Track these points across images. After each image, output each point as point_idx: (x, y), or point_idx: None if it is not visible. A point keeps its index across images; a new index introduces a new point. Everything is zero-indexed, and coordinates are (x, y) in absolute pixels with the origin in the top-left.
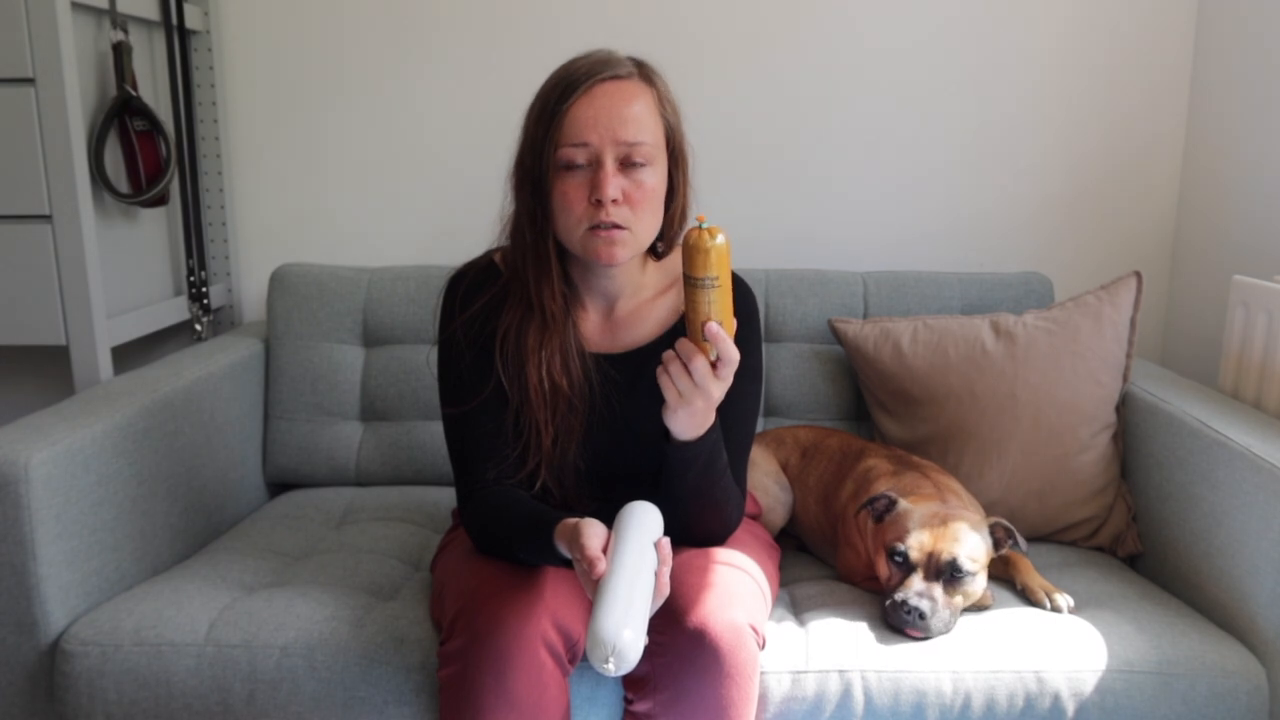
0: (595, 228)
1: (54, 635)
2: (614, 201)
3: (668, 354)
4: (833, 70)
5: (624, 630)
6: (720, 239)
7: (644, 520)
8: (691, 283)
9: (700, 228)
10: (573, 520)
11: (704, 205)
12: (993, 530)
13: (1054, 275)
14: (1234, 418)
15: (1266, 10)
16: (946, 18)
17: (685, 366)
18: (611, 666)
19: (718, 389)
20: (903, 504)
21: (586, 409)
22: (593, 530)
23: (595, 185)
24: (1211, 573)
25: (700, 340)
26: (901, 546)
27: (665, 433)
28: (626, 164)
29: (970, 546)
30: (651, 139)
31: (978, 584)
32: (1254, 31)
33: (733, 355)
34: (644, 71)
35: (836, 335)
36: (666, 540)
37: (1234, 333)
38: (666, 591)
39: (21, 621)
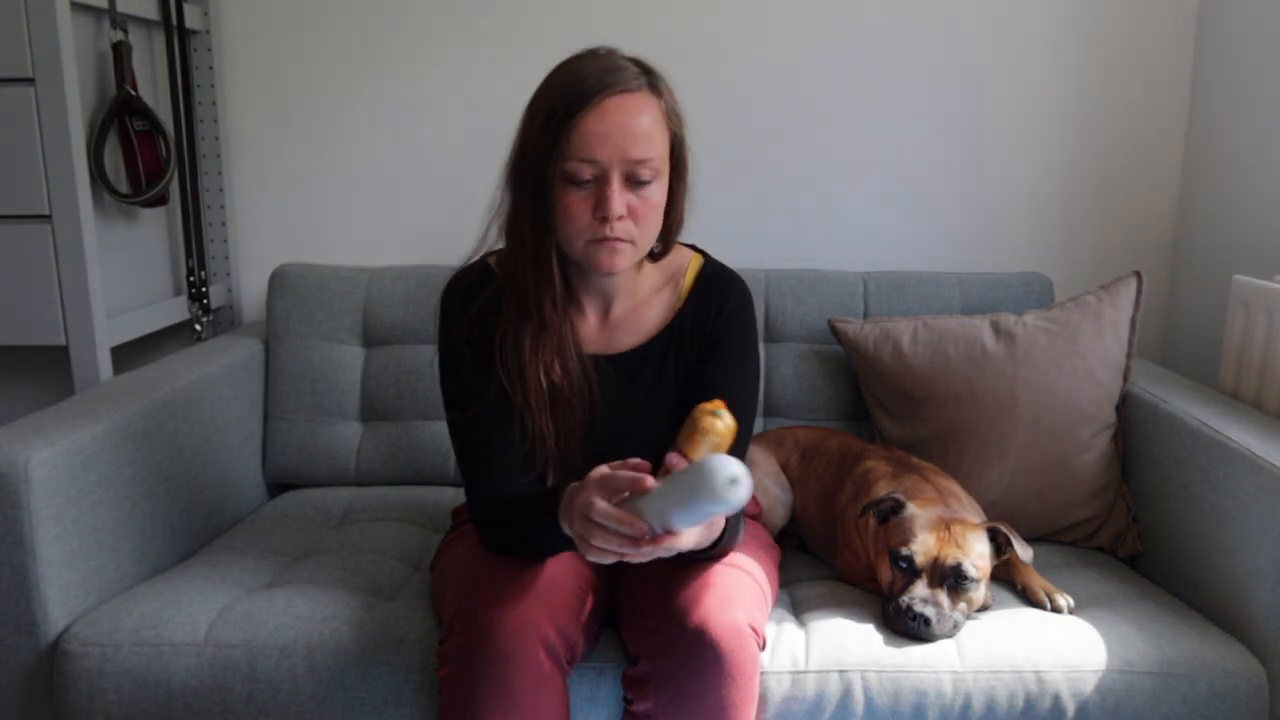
0: (597, 239)
1: (54, 635)
2: (619, 218)
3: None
4: (833, 70)
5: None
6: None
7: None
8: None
9: (715, 414)
10: (575, 485)
11: (705, 205)
12: (993, 535)
13: (1054, 275)
14: (1234, 418)
15: (1266, 11)
16: (946, 18)
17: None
18: (744, 490)
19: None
20: (910, 507)
21: (587, 410)
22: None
23: (601, 202)
24: (1211, 573)
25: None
26: (906, 550)
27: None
28: (632, 180)
29: (976, 553)
30: (658, 154)
31: (980, 591)
32: (1254, 32)
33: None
34: (651, 80)
35: (836, 335)
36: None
37: (1234, 333)
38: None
39: (21, 621)
